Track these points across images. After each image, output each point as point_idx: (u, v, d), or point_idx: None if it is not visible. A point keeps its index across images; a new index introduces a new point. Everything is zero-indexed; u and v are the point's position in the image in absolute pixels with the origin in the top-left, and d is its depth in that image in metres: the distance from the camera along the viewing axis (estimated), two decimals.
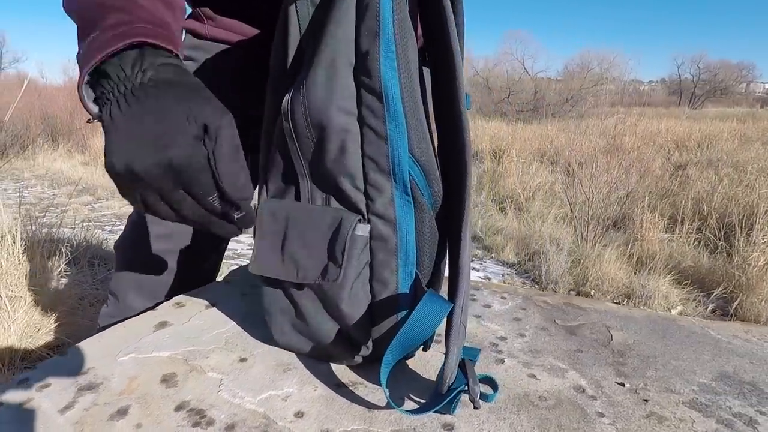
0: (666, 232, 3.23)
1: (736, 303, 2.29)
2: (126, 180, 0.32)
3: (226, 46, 0.67)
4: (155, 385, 0.44)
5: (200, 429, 0.38)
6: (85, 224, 3.04)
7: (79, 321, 1.53)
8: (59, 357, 0.48)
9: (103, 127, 0.33)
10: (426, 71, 0.47)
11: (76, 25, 0.40)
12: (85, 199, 4.40)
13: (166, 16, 0.39)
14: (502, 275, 2.83)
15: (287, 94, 0.44)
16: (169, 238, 0.68)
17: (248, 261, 0.48)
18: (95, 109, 0.34)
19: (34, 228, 1.92)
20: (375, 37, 0.40)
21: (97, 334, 0.54)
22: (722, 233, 3.01)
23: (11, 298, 1.34)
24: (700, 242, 3.05)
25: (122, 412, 0.40)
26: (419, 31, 0.46)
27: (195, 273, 0.72)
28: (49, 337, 1.39)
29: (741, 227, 2.78)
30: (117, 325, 0.55)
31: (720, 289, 2.43)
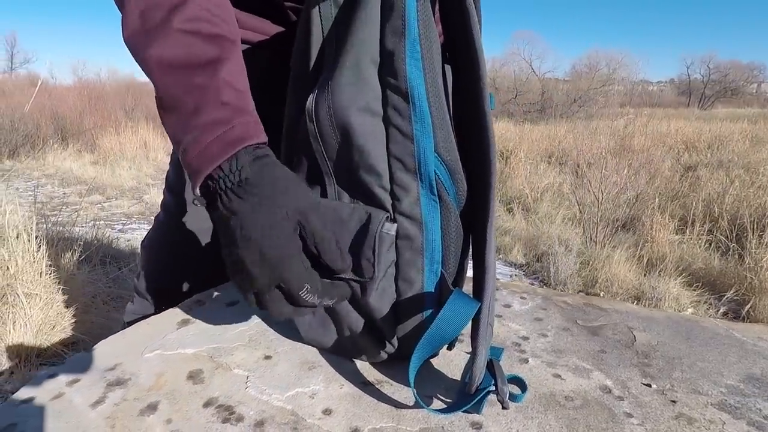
0: (676, 233, 3.20)
1: (748, 306, 2.27)
2: (241, 279, 0.37)
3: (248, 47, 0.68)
4: (182, 382, 0.44)
5: (230, 425, 0.39)
6: (95, 223, 3.07)
7: (93, 319, 1.55)
8: (86, 353, 0.49)
9: (219, 216, 0.37)
10: (447, 68, 0.47)
11: (159, 95, 0.40)
12: (94, 198, 4.44)
13: (247, 92, 0.41)
14: (511, 276, 2.82)
15: (311, 95, 0.44)
16: (194, 239, 0.69)
17: None
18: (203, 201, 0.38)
19: (47, 226, 1.94)
20: (401, 37, 0.40)
21: (121, 331, 0.54)
22: (734, 235, 2.97)
23: (27, 295, 1.35)
24: (711, 244, 3.02)
25: (152, 408, 0.40)
26: (439, 27, 0.46)
27: (216, 273, 0.72)
28: (63, 335, 1.40)
29: (753, 229, 2.75)
30: (141, 322, 0.56)
31: (732, 292, 2.40)
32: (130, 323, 0.71)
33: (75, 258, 1.79)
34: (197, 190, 0.37)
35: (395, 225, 0.43)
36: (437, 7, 0.45)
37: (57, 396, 0.42)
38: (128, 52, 0.41)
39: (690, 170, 4.55)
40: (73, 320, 1.45)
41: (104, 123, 6.49)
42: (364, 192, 0.44)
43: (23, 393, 0.42)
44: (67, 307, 1.49)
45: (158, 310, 0.69)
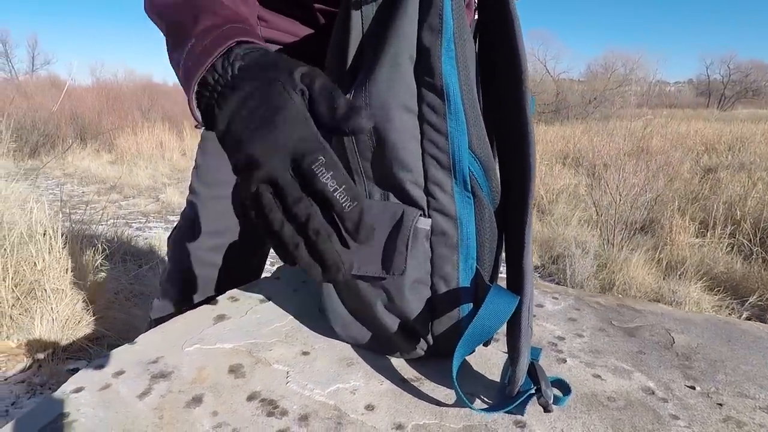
0: (697, 236, 3.14)
1: None
2: (246, 172, 0.30)
3: (279, 47, 0.69)
4: (224, 375, 0.45)
5: (275, 419, 0.39)
6: (114, 221, 3.12)
7: (116, 315, 1.58)
8: (128, 345, 0.50)
9: (214, 130, 0.33)
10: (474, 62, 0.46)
11: (159, 28, 0.41)
12: (112, 197, 4.52)
13: (244, 12, 0.40)
14: None
15: (348, 93, 0.44)
16: (221, 234, 0.70)
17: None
18: (200, 116, 0.35)
19: (70, 224, 1.98)
20: (438, 34, 0.40)
21: (160, 326, 0.55)
22: (757, 238, 2.91)
23: (54, 290, 1.38)
24: (733, 247, 2.95)
25: (197, 400, 0.41)
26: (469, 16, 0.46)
27: (242, 269, 0.73)
28: (88, 330, 1.43)
29: None
30: (177, 317, 0.57)
31: (755, 297, 2.35)
32: (158, 320, 0.72)
33: (98, 255, 1.82)
34: (196, 112, 0.34)
35: (429, 221, 0.43)
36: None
37: (104, 387, 0.42)
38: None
39: (710, 172, 4.46)
40: (97, 316, 1.48)
41: (121, 123, 6.61)
42: (397, 189, 0.44)
43: (72, 384, 0.43)
44: (91, 303, 1.51)
45: (184, 304, 0.70)
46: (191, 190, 0.73)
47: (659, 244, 3.06)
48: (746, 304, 2.33)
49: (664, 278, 2.67)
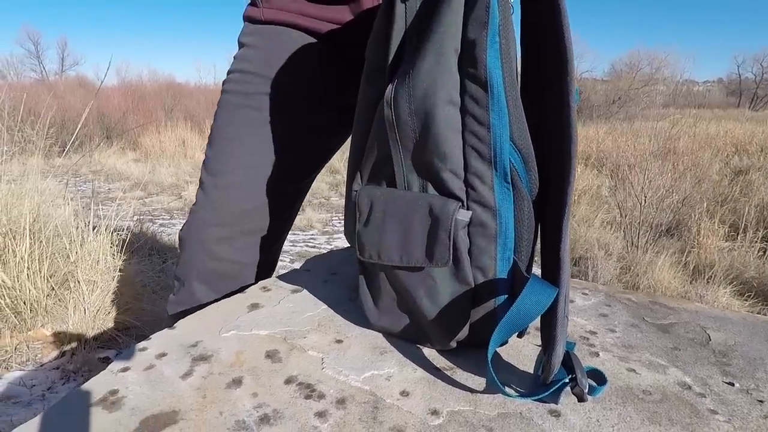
0: (726, 240, 3.05)
1: None
2: None
3: (287, 29, 0.68)
4: (261, 360, 0.46)
5: (313, 401, 0.40)
6: (139, 217, 3.21)
7: (144, 306, 1.62)
8: (168, 330, 0.52)
9: None
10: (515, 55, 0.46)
11: None
12: (137, 194, 4.64)
13: None
14: None
15: (390, 84, 0.45)
16: (229, 225, 0.69)
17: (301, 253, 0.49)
18: None
19: (100, 219, 2.05)
20: (484, 26, 0.40)
21: (196, 313, 0.57)
22: None
23: (87, 282, 1.43)
24: (765, 252, 2.86)
25: (237, 382, 0.42)
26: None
27: (254, 262, 0.72)
28: (118, 320, 1.48)
29: None
30: (213, 305, 0.58)
31: None
32: (174, 316, 0.71)
33: (126, 249, 1.88)
34: None
35: (470, 213, 0.44)
36: None
37: (149, 367, 0.44)
38: None
39: (741, 174, 4.32)
40: (126, 307, 1.53)
41: (146, 122, 6.77)
42: (436, 180, 0.44)
43: (118, 364, 0.45)
44: (120, 294, 1.56)
45: (197, 301, 0.69)
46: (199, 182, 0.72)
47: (686, 248, 2.98)
48: None
49: (690, 282, 2.60)
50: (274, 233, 0.73)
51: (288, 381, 0.43)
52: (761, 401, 0.41)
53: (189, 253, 0.71)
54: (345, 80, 0.70)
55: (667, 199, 3.27)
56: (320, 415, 0.38)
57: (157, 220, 3.60)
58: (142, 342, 0.49)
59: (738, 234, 3.06)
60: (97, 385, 0.42)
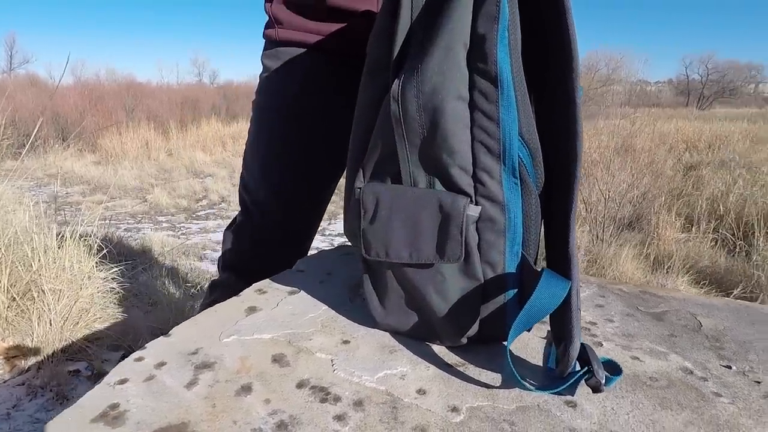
0: (682, 231, 3.22)
1: (757, 302, 2.29)
2: None
3: (298, 50, 0.74)
4: (268, 365, 0.44)
5: (329, 404, 0.39)
6: (103, 222, 3.05)
7: (114, 314, 1.54)
8: (164, 338, 0.49)
9: None
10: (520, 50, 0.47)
11: None
12: (98, 198, 4.42)
13: None
14: None
15: (397, 79, 0.44)
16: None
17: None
18: None
19: (58, 225, 1.94)
20: (494, 21, 0.40)
21: (191, 318, 0.54)
22: (740, 233, 3.00)
23: (51, 291, 1.35)
24: (717, 242, 3.04)
25: (246, 389, 0.41)
26: None
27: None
28: (87, 330, 1.40)
29: (760, 226, 2.77)
30: (208, 310, 0.56)
31: (739, 289, 2.42)
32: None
33: (92, 256, 1.78)
34: None
35: (479, 208, 0.44)
36: None
37: (149, 378, 0.42)
38: None
39: (692, 169, 4.58)
40: (95, 316, 1.45)
41: (106, 123, 6.47)
42: (444, 176, 0.44)
43: (113, 376, 0.42)
44: (88, 303, 1.48)
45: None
46: (241, 196, 0.85)
47: (647, 240, 3.13)
48: (731, 296, 2.40)
49: (652, 272, 2.73)
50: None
51: (300, 385, 0.41)
52: (758, 382, 0.43)
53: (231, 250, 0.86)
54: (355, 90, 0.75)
55: (628, 194, 3.42)
56: (339, 418, 0.37)
57: (121, 225, 3.44)
58: (137, 352, 0.46)
59: (692, 226, 3.24)
60: (94, 399, 0.39)
